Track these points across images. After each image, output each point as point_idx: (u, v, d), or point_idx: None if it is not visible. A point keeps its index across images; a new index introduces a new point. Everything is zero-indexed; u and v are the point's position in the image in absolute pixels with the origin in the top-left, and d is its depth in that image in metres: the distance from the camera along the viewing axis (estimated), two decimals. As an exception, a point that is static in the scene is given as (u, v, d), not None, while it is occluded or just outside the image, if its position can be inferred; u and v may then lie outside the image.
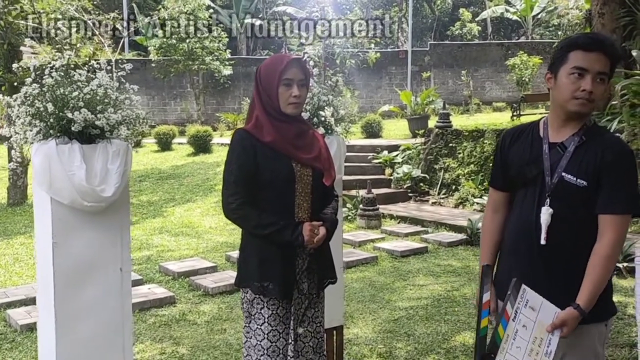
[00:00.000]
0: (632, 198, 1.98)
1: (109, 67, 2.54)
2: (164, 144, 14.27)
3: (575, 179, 1.98)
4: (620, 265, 5.44)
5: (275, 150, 2.37)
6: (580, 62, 1.96)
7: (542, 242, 2.00)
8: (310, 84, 3.31)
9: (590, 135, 2.02)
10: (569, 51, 1.99)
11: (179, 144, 14.45)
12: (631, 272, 4.97)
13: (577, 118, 2.03)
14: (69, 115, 2.32)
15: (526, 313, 1.98)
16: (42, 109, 2.33)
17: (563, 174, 2.00)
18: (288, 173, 2.38)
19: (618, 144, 2.03)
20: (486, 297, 2.09)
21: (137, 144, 14.59)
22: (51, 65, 2.42)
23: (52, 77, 2.38)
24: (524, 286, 1.98)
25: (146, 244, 7.42)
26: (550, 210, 1.99)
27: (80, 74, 2.46)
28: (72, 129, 2.34)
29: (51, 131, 2.36)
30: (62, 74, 2.43)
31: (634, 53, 7.97)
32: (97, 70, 2.48)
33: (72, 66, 2.45)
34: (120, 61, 2.83)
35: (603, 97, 2.10)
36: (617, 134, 6.87)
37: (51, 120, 2.34)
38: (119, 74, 2.56)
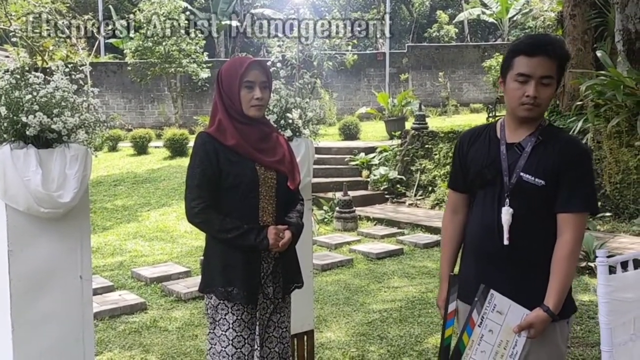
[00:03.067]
0: (590, 196, 2.01)
1: (66, 70, 2.48)
2: (140, 148, 14.10)
3: (533, 178, 1.99)
4: (592, 264, 5.48)
5: (239, 153, 2.34)
6: (522, 68, 1.97)
7: (505, 242, 2.00)
8: (278, 86, 3.29)
9: (546, 135, 2.04)
10: (514, 57, 2.00)
11: (156, 147, 14.27)
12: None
13: (529, 121, 2.05)
14: (24, 119, 2.25)
15: (493, 318, 1.97)
16: (-5, 112, 2.26)
17: (521, 174, 2.01)
18: (252, 176, 2.34)
19: (575, 143, 2.06)
20: (452, 307, 2.07)
21: (113, 148, 14.46)
22: (6, 68, 2.36)
23: (6, 80, 2.31)
24: (492, 291, 1.97)
25: (119, 249, 7.30)
26: (511, 210, 2.00)
27: (37, 77, 2.40)
28: (28, 133, 2.28)
29: (5, 135, 2.29)
30: (18, 76, 2.36)
31: (598, 54, 8.05)
32: (54, 73, 2.42)
33: (27, 69, 2.38)
34: (80, 63, 2.75)
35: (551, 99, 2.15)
36: (577, 134, 6.96)
37: (5, 124, 2.28)
38: (77, 76, 2.50)
